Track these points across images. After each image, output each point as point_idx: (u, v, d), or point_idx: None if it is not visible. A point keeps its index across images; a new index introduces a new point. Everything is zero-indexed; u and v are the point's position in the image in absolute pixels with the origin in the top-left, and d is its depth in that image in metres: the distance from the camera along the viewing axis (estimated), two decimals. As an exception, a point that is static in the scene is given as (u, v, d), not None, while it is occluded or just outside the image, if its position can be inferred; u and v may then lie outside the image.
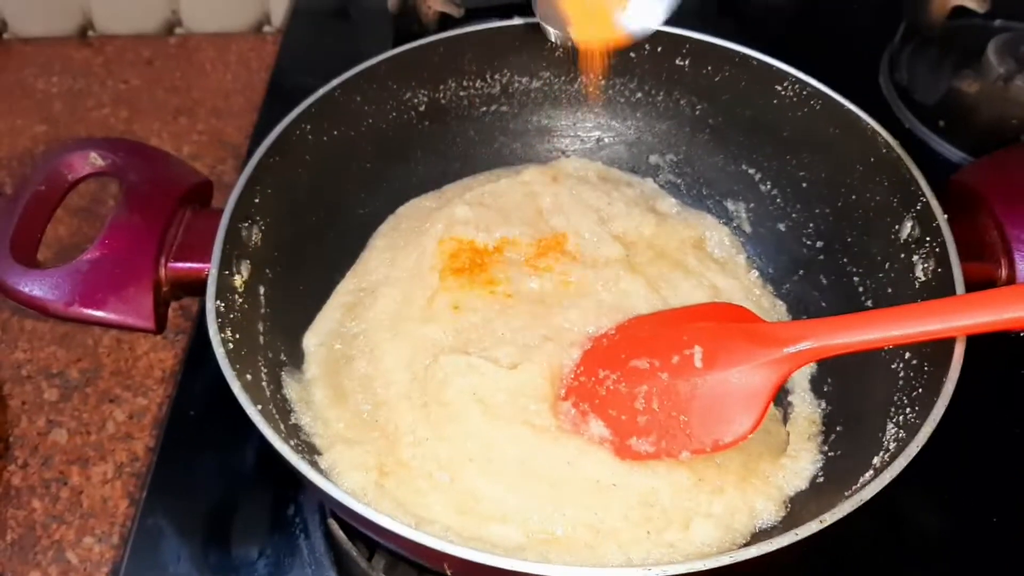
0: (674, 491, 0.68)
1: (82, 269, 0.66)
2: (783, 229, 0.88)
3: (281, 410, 0.70)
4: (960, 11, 1.14)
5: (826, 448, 0.73)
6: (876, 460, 0.64)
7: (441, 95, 0.89)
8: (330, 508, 0.73)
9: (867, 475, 0.62)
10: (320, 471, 0.59)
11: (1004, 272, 0.69)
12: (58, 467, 0.85)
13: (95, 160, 0.71)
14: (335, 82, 0.80)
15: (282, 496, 0.78)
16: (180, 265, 0.68)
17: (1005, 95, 1.04)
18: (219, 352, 0.63)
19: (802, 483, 0.70)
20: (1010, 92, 1.05)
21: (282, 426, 0.67)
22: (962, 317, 0.60)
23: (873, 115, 0.78)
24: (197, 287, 0.68)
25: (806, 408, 0.77)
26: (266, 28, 1.32)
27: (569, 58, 0.89)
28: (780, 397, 0.78)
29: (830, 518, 0.54)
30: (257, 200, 0.74)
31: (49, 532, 0.80)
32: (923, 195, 0.72)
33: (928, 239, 0.71)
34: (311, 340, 0.79)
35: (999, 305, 0.59)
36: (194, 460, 0.81)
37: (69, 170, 0.70)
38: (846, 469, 0.67)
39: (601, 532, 0.67)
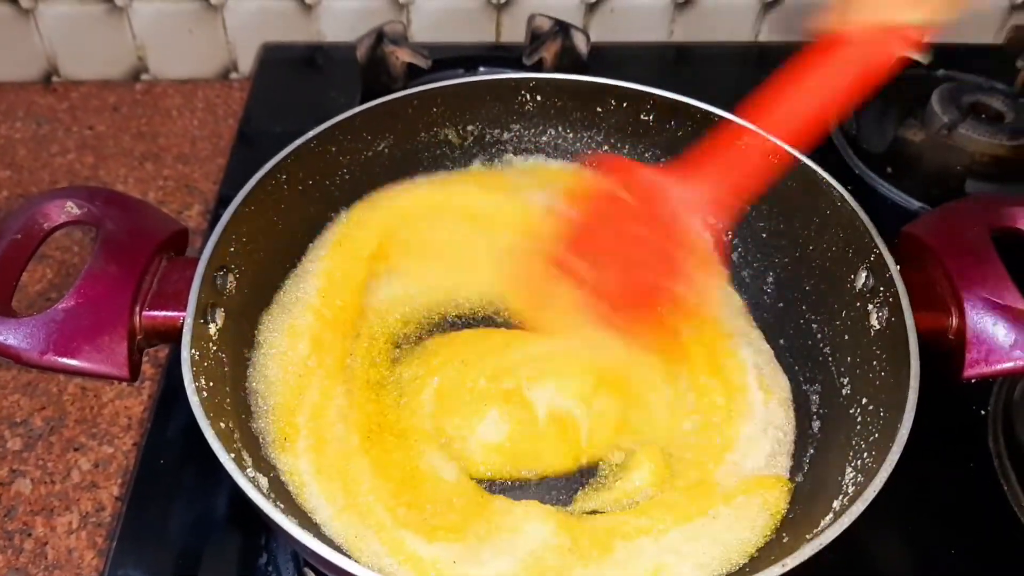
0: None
1: (57, 318, 0.66)
2: (746, 278, 0.91)
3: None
4: (904, 62, 1.20)
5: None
6: (836, 504, 0.66)
7: (415, 145, 0.91)
8: (303, 557, 0.74)
9: (827, 519, 0.64)
10: (296, 520, 0.59)
11: (955, 321, 0.72)
12: (22, 518, 0.83)
13: (71, 209, 0.71)
14: (311, 133, 0.81)
15: (254, 545, 0.78)
16: (155, 314, 0.69)
17: (949, 143, 1.10)
18: (193, 401, 0.63)
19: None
20: (954, 140, 1.10)
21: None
22: None
23: (823, 163, 0.81)
24: (172, 335, 0.68)
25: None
26: (233, 75, 1.33)
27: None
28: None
29: (792, 562, 0.56)
30: (232, 248, 0.74)
31: (12, 585, 0.79)
32: (876, 247, 0.75)
33: (882, 289, 0.74)
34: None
35: None
36: (165, 509, 0.80)
37: (45, 219, 0.70)
38: (807, 514, 0.69)
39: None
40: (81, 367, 0.65)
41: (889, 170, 1.12)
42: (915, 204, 1.10)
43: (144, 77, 1.32)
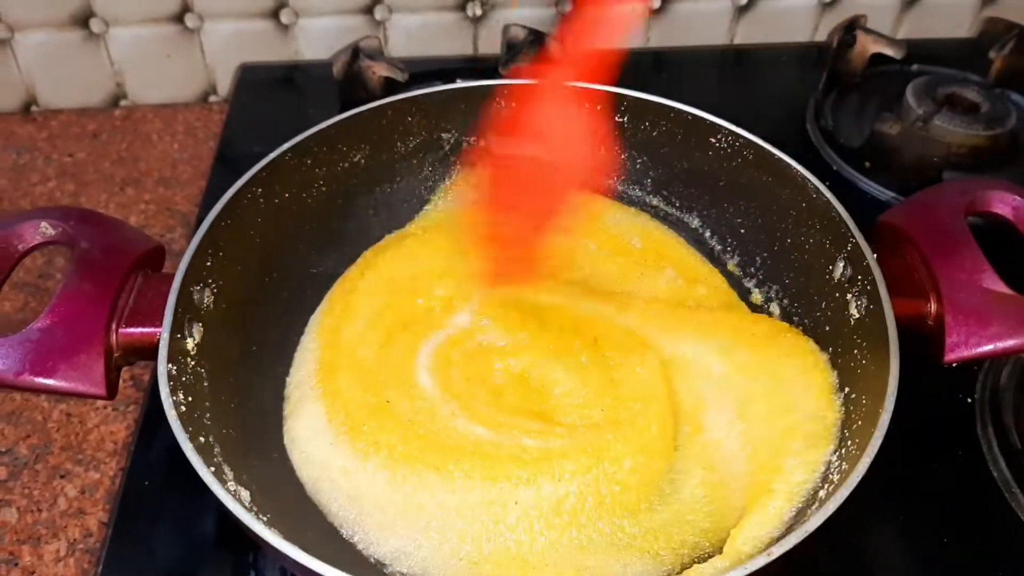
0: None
1: (32, 338, 0.65)
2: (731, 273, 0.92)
3: (237, 472, 0.70)
4: (878, 58, 1.21)
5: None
6: (821, 493, 0.65)
7: (391, 155, 0.92)
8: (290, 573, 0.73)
9: (812, 508, 0.64)
10: (278, 532, 0.59)
11: (933, 306, 0.72)
12: (8, 547, 0.82)
13: (46, 229, 0.71)
14: (286, 146, 0.82)
15: (242, 563, 0.77)
16: (132, 330, 0.68)
17: (925, 134, 1.10)
18: (171, 415, 0.63)
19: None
20: (929, 131, 1.10)
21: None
22: None
23: (802, 160, 0.82)
24: (149, 352, 0.67)
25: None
26: (212, 98, 1.34)
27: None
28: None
29: (778, 550, 0.55)
30: (209, 263, 0.74)
31: (-1, 615, 0.79)
32: (852, 236, 0.75)
33: (860, 278, 0.74)
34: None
35: None
36: (150, 532, 0.79)
37: (19, 240, 0.70)
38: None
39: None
40: (58, 386, 0.65)
41: (867, 164, 1.13)
42: (893, 196, 1.10)
43: (123, 103, 1.32)
